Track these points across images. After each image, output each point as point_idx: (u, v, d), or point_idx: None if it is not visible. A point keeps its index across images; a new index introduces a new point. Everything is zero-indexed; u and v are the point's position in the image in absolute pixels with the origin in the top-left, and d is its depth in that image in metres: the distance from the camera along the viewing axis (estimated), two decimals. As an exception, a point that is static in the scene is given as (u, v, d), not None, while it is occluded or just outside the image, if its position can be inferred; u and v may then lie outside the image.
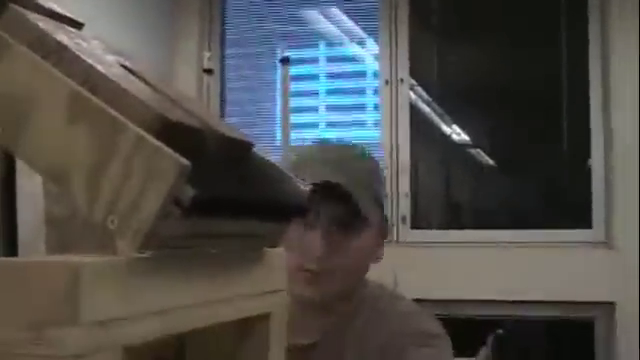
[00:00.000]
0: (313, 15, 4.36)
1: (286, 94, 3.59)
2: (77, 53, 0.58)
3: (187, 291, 0.62)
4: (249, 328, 0.77)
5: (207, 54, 4.01)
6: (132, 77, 0.62)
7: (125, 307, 0.54)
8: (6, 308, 0.52)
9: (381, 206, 1.41)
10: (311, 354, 1.39)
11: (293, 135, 3.70)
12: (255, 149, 0.74)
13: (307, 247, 1.32)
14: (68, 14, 0.66)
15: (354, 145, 1.47)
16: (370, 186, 1.39)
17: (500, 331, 3.47)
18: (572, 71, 3.96)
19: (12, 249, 0.76)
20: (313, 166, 1.35)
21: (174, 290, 0.61)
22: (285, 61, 3.63)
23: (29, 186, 0.74)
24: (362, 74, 4.35)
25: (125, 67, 0.64)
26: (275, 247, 0.78)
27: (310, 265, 1.32)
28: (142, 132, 0.54)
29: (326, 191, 1.27)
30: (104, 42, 0.66)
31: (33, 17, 0.60)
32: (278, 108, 4.11)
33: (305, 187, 0.77)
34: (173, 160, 0.54)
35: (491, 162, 4.25)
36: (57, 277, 0.50)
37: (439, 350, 1.36)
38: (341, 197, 1.30)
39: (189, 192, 0.55)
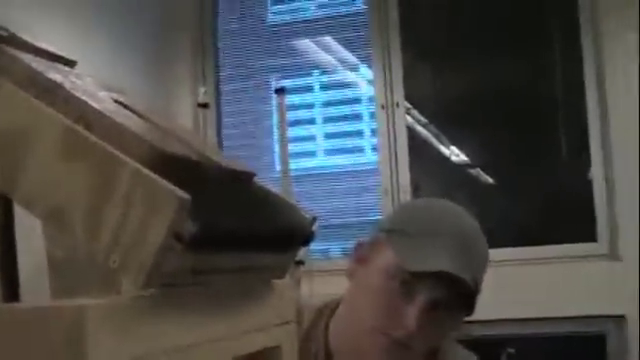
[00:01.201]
0: (306, 44, 4.37)
1: (283, 124, 3.59)
2: (71, 91, 0.57)
3: (194, 328, 0.61)
4: (259, 362, 0.75)
5: (202, 89, 4.01)
6: (126, 112, 0.61)
7: (133, 349, 0.53)
8: (11, 356, 0.50)
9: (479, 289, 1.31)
10: None
11: (292, 165, 3.69)
12: (256, 179, 0.73)
13: (401, 318, 1.25)
14: (60, 53, 0.66)
15: (470, 217, 1.35)
16: (483, 274, 1.31)
17: (511, 350, 3.44)
18: (567, 84, 3.96)
19: (13, 294, 0.74)
20: (436, 245, 1.26)
21: (181, 328, 0.59)
22: (280, 91, 3.63)
23: (27, 227, 0.73)
24: (357, 100, 4.35)
25: (119, 102, 0.62)
26: (282, 278, 0.77)
27: (397, 334, 1.26)
28: (139, 166, 0.53)
29: (443, 276, 1.22)
30: (96, 78, 0.65)
31: (25, 57, 0.59)
32: (275, 138, 4.10)
33: (310, 217, 0.76)
34: (172, 194, 0.52)
35: (491, 180, 4.23)
36: (61, 323, 0.49)
37: None
38: (456, 284, 1.24)
39: (190, 226, 0.54)
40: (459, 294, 1.26)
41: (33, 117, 0.54)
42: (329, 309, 1.41)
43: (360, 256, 1.35)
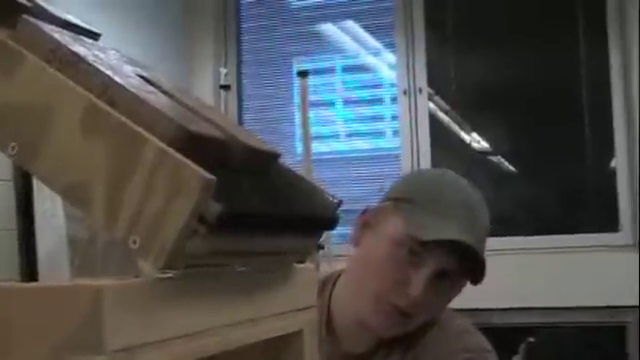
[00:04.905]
0: (329, 28, 4.34)
1: (305, 107, 3.57)
2: (94, 64, 0.55)
3: (214, 312, 0.59)
4: (281, 347, 0.74)
5: (223, 70, 3.99)
6: (151, 88, 0.59)
7: (151, 332, 0.51)
8: (27, 335, 0.49)
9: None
10: None
11: (313, 147, 3.67)
12: (280, 160, 0.71)
13: (407, 287, 1.25)
14: (85, 25, 0.64)
15: (474, 187, 1.36)
16: (485, 243, 1.33)
17: (531, 339, 3.41)
18: (592, 72, 3.90)
19: (32, 274, 0.73)
20: (446, 214, 1.26)
21: (201, 312, 0.58)
22: (303, 74, 3.60)
23: (47, 207, 0.72)
24: (379, 84, 4.32)
25: (143, 77, 0.61)
26: (304, 262, 0.75)
27: (401, 303, 1.26)
28: (164, 145, 0.51)
29: (453, 245, 1.24)
30: (121, 53, 0.63)
31: (49, 28, 0.57)
32: (297, 121, 4.08)
33: (335, 201, 0.74)
34: (197, 174, 0.51)
35: (512, 168, 4.19)
36: (78, 302, 0.47)
37: None
38: (464, 253, 1.25)
39: (215, 208, 0.52)
40: (464, 264, 1.27)
41: (55, 91, 0.53)
42: (332, 280, 1.42)
43: (366, 222, 1.35)
